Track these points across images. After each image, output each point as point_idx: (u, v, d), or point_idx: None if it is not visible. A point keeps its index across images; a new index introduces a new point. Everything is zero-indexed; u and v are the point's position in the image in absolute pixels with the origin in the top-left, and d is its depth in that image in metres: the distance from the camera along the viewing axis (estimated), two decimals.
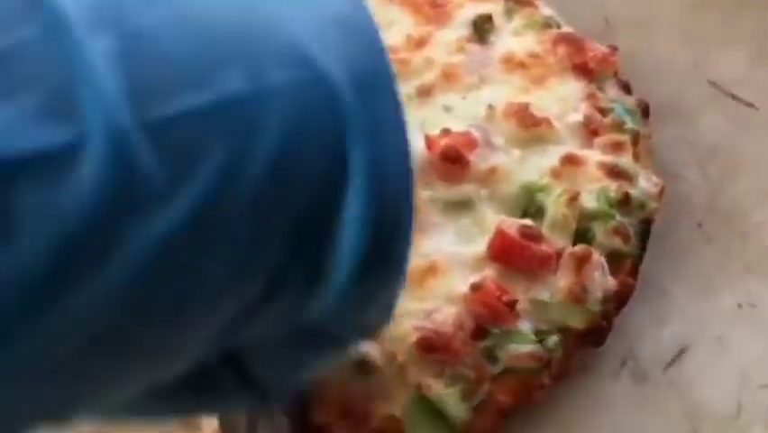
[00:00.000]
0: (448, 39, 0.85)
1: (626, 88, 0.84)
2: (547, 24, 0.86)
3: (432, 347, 0.69)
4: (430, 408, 0.69)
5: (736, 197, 0.85)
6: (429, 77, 0.83)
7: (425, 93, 0.82)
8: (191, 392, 0.35)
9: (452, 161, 0.76)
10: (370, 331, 0.40)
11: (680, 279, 0.80)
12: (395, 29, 0.85)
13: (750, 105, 0.89)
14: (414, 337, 0.69)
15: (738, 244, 0.82)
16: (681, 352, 0.77)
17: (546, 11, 0.87)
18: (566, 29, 0.86)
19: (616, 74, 0.84)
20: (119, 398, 0.31)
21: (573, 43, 0.83)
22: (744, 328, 0.77)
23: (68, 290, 0.26)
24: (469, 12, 0.87)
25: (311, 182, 0.30)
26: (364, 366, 0.69)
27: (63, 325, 0.26)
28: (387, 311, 0.39)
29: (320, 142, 0.30)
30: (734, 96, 0.89)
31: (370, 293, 0.35)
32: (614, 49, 0.83)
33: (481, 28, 0.86)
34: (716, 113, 0.89)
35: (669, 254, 0.80)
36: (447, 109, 0.81)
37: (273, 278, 0.30)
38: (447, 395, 0.69)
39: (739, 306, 0.79)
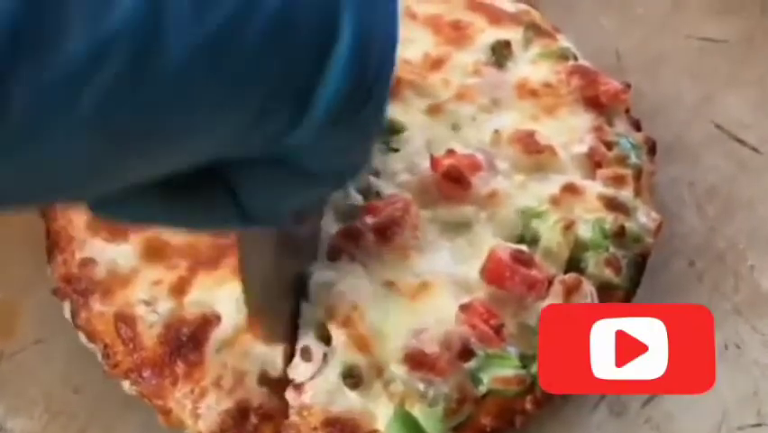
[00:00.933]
0: (465, 61, 0.84)
1: (636, 125, 0.83)
2: (564, 56, 0.85)
3: (418, 365, 0.68)
4: (412, 425, 0.68)
5: (731, 238, 0.84)
6: (443, 95, 0.82)
7: (435, 110, 0.81)
8: (185, 200, 0.40)
9: (455, 181, 0.75)
10: (342, 176, 0.43)
11: None
12: (415, 46, 0.84)
13: (754, 149, 0.89)
14: (401, 354, 0.69)
15: (730, 284, 0.81)
16: None
17: (564, 42, 0.87)
18: (582, 61, 0.85)
19: (627, 110, 0.83)
20: (132, 179, 0.36)
21: (587, 76, 0.82)
22: (728, 369, 0.76)
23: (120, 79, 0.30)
24: (489, 37, 0.86)
25: (308, 26, 0.34)
26: (351, 379, 0.69)
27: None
28: (359, 160, 0.43)
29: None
30: (737, 139, 0.89)
31: (346, 136, 0.38)
32: (627, 86, 0.82)
33: (499, 53, 0.85)
34: (718, 154, 0.88)
35: (660, 290, 0.79)
36: (455, 128, 0.81)
37: (266, 101, 0.34)
38: (430, 413, 0.68)
39: (725, 346, 0.78)
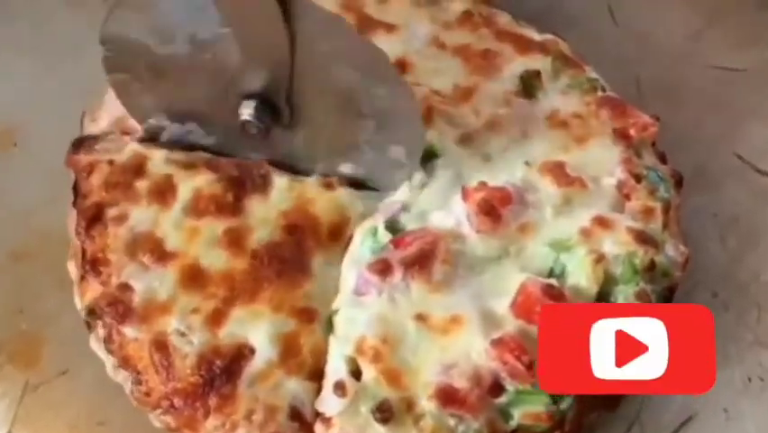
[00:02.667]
0: (495, 90, 0.82)
1: (662, 158, 0.80)
2: (593, 87, 0.82)
3: (448, 400, 0.66)
4: None
5: (753, 269, 0.81)
6: (474, 124, 0.80)
7: (466, 139, 0.79)
8: None
9: (487, 214, 0.72)
10: None
11: None
12: (445, 76, 0.82)
13: None
14: (431, 389, 0.66)
15: (753, 315, 0.79)
16: (688, 421, 0.74)
17: (592, 73, 0.84)
18: (610, 93, 0.82)
19: (653, 143, 0.80)
20: None
21: (617, 108, 0.79)
22: (752, 402, 0.74)
23: None
24: (518, 66, 0.84)
25: None
26: (381, 414, 0.66)
27: None
28: None
29: None
30: (758, 170, 0.87)
31: None
32: (656, 119, 0.80)
33: (529, 83, 0.82)
34: (739, 185, 0.86)
35: None
36: (486, 158, 0.78)
37: None
38: None
39: (749, 379, 0.76)
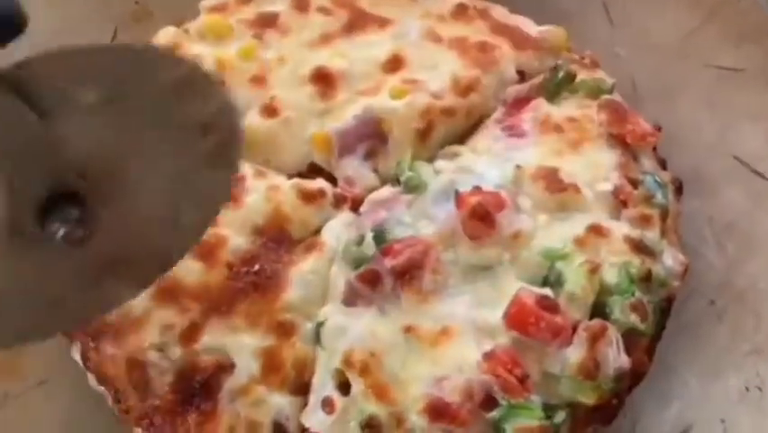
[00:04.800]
0: (495, 87, 0.81)
1: (662, 164, 0.78)
2: (598, 88, 0.80)
3: (439, 415, 0.64)
4: None
5: (751, 276, 0.79)
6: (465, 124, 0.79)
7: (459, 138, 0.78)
8: None
9: (481, 219, 0.70)
10: None
11: (688, 356, 0.75)
12: (442, 69, 0.80)
13: None
14: (422, 404, 0.64)
15: (750, 324, 0.77)
16: (684, 432, 0.73)
17: (601, 72, 0.83)
18: (615, 96, 0.80)
19: (654, 148, 0.78)
20: None
21: (616, 112, 0.77)
22: (749, 413, 0.72)
23: None
24: (522, 63, 0.83)
25: None
26: (370, 430, 0.64)
27: None
28: None
29: None
30: (756, 172, 0.84)
31: None
32: (657, 129, 0.78)
33: (556, 85, 0.80)
34: (737, 188, 0.84)
35: (679, 330, 0.75)
36: (478, 153, 0.77)
37: None
38: None
39: (746, 389, 0.74)
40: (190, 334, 0.68)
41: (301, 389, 0.68)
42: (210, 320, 0.69)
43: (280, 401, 0.67)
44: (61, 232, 0.51)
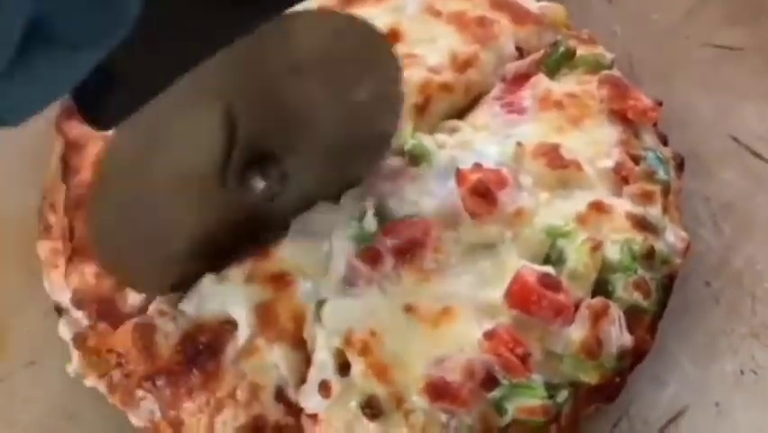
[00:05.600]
0: (494, 62, 0.80)
1: (664, 140, 0.78)
2: (598, 64, 0.80)
3: (440, 395, 0.63)
4: None
5: (748, 258, 0.79)
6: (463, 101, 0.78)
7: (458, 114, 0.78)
8: None
9: (482, 196, 0.69)
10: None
11: (683, 338, 0.74)
12: (440, 44, 0.79)
13: None
14: (422, 384, 0.64)
15: (747, 306, 0.76)
16: (678, 415, 0.72)
17: (600, 48, 0.82)
18: (614, 71, 0.79)
19: (655, 123, 0.78)
20: None
21: (617, 87, 0.77)
22: (744, 396, 0.72)
23: None
24: (513, 37, 0.82)
25: None
26: (370, 410, 0.63)
27: None
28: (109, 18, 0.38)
29: None
30: (755, 153, 0.84)
31: None
32: (658, 104, 0.77)
33: (556, 62, 0.80)
34: (735, 169, 0.83)
35: (675, 312, 0.74)
36: (477, 129, 0.76)
37: None
38: None
39: (741, 372, 0.73)
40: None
41: (300, 344, 0.67)
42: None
43: (282, 357, 0.66)
44: (261, 186, 0.64)
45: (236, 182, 0.64)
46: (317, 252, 0.70)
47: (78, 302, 0.70)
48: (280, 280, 0.68)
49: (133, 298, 0.70)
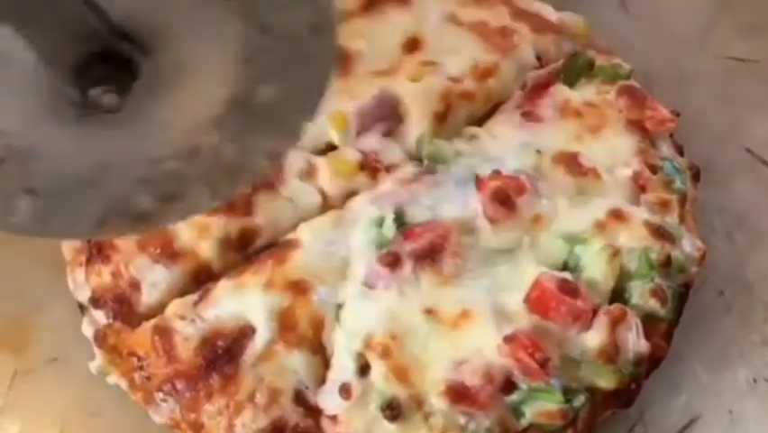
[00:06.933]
0: (515, 71, 0.81)
1: (679, 150, 0.79)
2: (616, 74, 0.81)
3: (459, 398, 0.64)
4: None
5: (760, 268, 0.80)
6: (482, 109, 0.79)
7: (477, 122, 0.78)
8: None
9: (501, 202, 0.70)
10: None
11: (697, 347, 0.75)
12: (461, 54, 0.80)
13: None
14: (442, 386, 0.64)
15: (759, 315, 0.77)
16: (691, 422, 0.73)
17: (617, 59, 0.83)
18: (632, 81, 0.80)
19: (672, 134, 0.79)
20: None
21: (635, 98, 0.78)
22: (757, 404, 0.73)
23: None
24: (540, 47, 0.83)
25: None
26: (390, 411, 0.64)
27: None
28: None
29: None
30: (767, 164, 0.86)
31: None
32: (675, 114, 0.78)
33: (574, 71, 0.81)
34: (747, 180, 0.84)
35: (688, 321, 0.74)
36: (496, 137, 0.77)
37: None
38: None
39: (754, 380, 0.74)
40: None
41: (319, 349, 0.68)
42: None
43: (301, 362, 0.67)
44: (102, 96, 0.47)
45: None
46: (335, 258, 0.71)
47: (96, 301, 0.71)
48: (298, 287, 0.69)
49: (148, 297, 0.70)
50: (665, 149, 0.77)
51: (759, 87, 0.88)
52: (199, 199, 0.47)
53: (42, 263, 0.74)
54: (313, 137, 0.76)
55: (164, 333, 0.68)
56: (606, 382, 0.67)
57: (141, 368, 0.68)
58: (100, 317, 0.71)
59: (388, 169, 0.75)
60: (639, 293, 0.69)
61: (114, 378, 0.69)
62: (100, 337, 0.69)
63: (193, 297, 0.70)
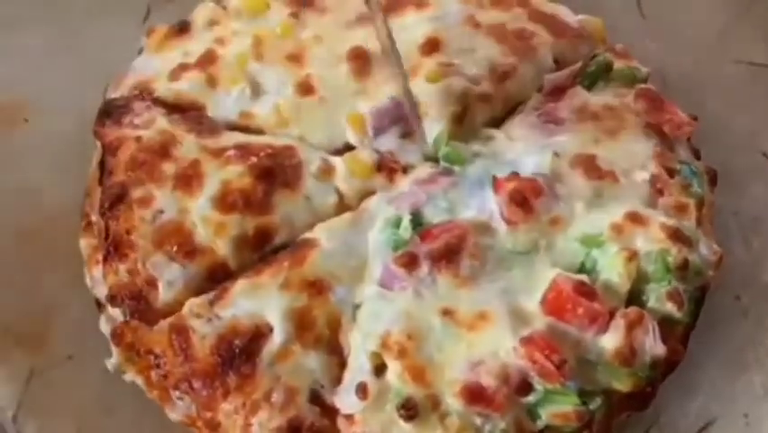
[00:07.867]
0: (532, 74, 0.81)
1: (696, 154, 0.79)
2: (633, 77, 0.81)
3: (474, 399, 0.64)
4: None
5: None
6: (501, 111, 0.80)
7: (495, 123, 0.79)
8: None
9: (518, 204, 0.70)
10: None
11: (713, 350, 0.75)
12: (479, 55, 0.80)
13: None
14: (457, 387, 0.64)
15: None
16: (707, 425, 0.73)
17: (635, 62, 0.83)
18: (650, 85, 0.80)
19: (689, 138, 0.79)
20: None
21: (653, 101, 0.78)
22: None
23: None
24: (560, 51, 0.83)
25: None
26: (406, 411, 0.64)
27: None
28: None
29: None
30: None
31: None
32: (693, 118, 0.78)
33: (595, 74, 0.81)
34: (764, 184, 0.84)
35: (704, 325, 0.74)
36: (514, 139, 0.77)
37: None
38: None
39: None
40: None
41: (336, 349, 0.68)
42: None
43: (317, 362, 0.67)
44: None
45: None
46: (352, 258, 0.71)
47: (113, 299, 0.71)
48: (315, 287, 0.69)
49: (164, 294, 0.70)
50: (683, 153, 0.77)
51: None
52: None
53: (60, 261, 0.75)
54: (330, 137, 0.77)
55: (181, 331, 0.68)
56: (622, 384, 0.66)
57: (157, 366, 0.68)
58: (117, 314, 0.71)
59: (405, 169, 0.75)
60: (656, 296, 0.69)
61: (130, 375, 0.69)
62: (117, 335, 0.69)
63: (209, 296, 0.69)
